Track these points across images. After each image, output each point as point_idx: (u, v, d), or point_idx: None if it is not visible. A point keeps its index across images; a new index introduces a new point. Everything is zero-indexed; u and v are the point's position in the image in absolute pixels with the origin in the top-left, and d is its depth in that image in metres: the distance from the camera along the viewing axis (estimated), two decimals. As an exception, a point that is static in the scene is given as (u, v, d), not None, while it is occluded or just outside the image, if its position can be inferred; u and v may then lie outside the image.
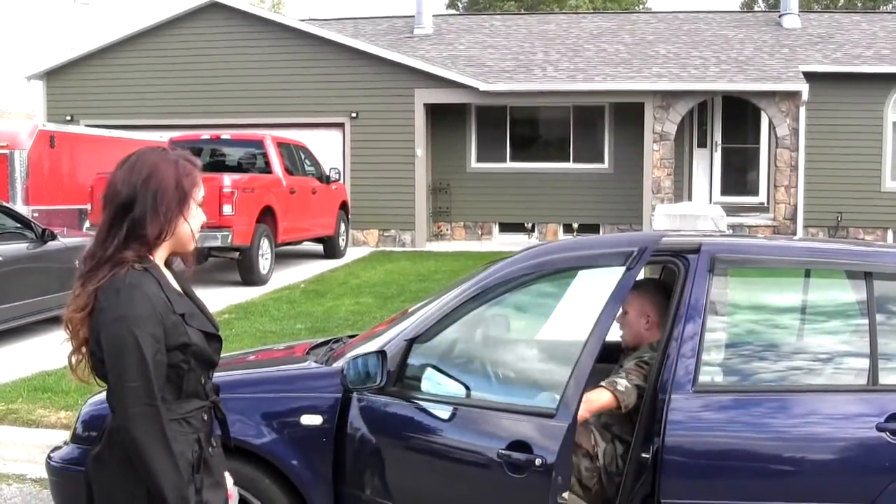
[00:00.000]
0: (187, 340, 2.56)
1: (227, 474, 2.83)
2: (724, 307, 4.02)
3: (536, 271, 4.07)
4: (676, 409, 3.65)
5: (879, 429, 3.59)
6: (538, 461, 3.42)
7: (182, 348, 2.55)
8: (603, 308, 3.65)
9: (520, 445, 3.48)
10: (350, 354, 3.78)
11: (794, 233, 18.12)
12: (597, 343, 3.58)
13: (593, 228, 19.36)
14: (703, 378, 3.76)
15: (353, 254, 17.70)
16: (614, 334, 4.02)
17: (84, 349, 2.59)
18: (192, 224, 2.66)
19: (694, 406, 3.69)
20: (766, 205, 20.00)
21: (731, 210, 19.25)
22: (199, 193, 2.68)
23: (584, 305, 3.86)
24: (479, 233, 20.21)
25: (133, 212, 2.54)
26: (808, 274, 4.20)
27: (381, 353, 3.77)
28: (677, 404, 3.66)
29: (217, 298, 12.19)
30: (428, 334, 3.94)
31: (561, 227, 19.74)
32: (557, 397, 3.55)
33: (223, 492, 2.75)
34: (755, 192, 20.70)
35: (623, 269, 3.72)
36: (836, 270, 4.15)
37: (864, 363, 3.77)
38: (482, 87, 18.62)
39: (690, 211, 6.64)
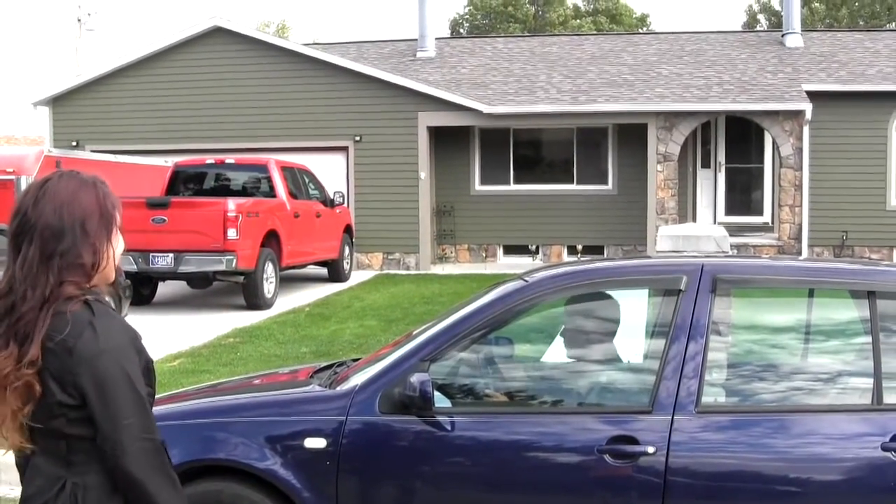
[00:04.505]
0: (150, 365, 2.40)
1: None
2: (727, 327, 4.02)
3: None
4: (680, 430, 3.65)
5: (885, 448, 3.58)
6: None
7: (148, 378, 2.38)
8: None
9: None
10: (414, 378, 3.75)
11: (800, 252, 18.09)
12: None
13: (597, 250, 19.36)
14: (707, 399, 3.76)
15: (357, 277, 17.71)
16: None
17: (28, 408, 2.27)
18: (117, 251, 2.43)
19: (697, 427, 3.69)
20: (770, 224, 19.99)
21: (736, 230, 19.26)
22: (120, 217, 2.45)
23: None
24: (484, 255, 20.21)
25: (62, 243, 2.30)
26: (810, 294, 4.19)
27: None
28: (680, 425, 3.66)
29: (222, 322, 12.22)
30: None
31: (565, 249, 19.73)
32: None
33: None
34: (759, 212, 20.70)
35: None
36: (838, 290, 4.15)
37: (869, 382, 3.76)
38: (485, 109, 18.67)
39: (693, 232, 6.64)
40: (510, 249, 20.12)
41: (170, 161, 16.50)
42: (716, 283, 3.87)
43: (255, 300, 13.45)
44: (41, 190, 2.36)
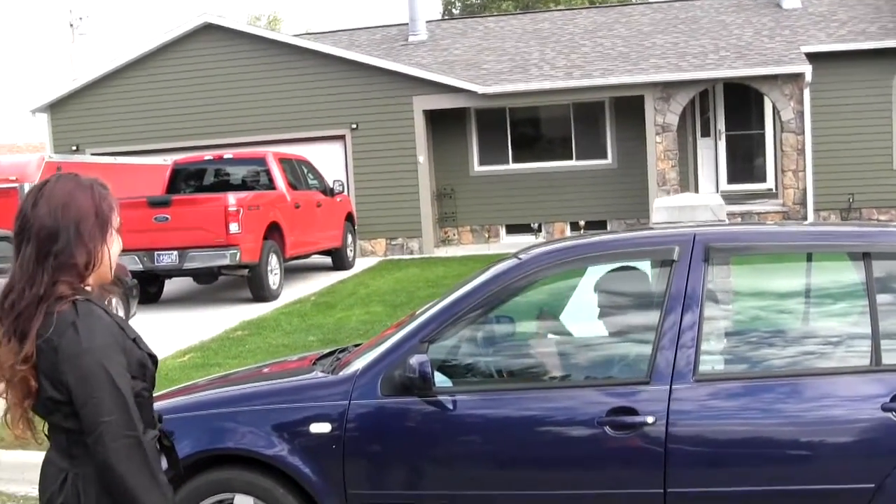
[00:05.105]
0: (145, 362, 2.48)
1: None
2: (721, 295, 4.05)
3: None
4: (678, 399, 3.68)
5: (885, 409, 3.60)
6: None
7: (140, 374, 2.46)
8: None
9: None
10: (413, 360, 3.79)
11: (805, 217, 18.02)
12: None
13: (600, 225, 19.34)
14: (704, 367, 3.78)
15: (361, 264, 17.75)
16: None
17: (27, 402, 2.41)
18: (112, 251, 2.53)
19: (696, 395, 3.72)
20: (774, 191, 19.91)
21: (740, 198, 19.23)
22: (117, 218, 2.55)
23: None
24: (486, 236, 20.23)
25: (57, 243, 2.40)
26: (805, 258, 4.21)
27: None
28: (679, 394, 3.69)
29: (228, 316, 12.28)
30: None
31: (568, 226, 19.74)
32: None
33: None
34: (763, 179, 20.62)
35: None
36: (832, 253, 4.16)
37: (867, 344, 3.76)
38: (480, 90, 18.64)
39: (689, 202, 6.65)
40: (513, 229, 20.12)
41: (168, 159, 16.54)
42: (708, 251, 3.89)
43: (260, 292, 13.50)
44: (40, 192, 2.47)
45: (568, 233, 19.53)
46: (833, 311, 4.22)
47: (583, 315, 4.40)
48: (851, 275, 4.03)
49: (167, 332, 11.24)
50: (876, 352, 3.73)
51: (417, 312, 4.50)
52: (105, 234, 2.48)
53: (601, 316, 4.34)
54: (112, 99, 20.24)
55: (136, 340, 2.49)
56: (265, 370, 5.23)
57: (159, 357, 8.59)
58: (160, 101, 19.90)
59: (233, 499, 4.06)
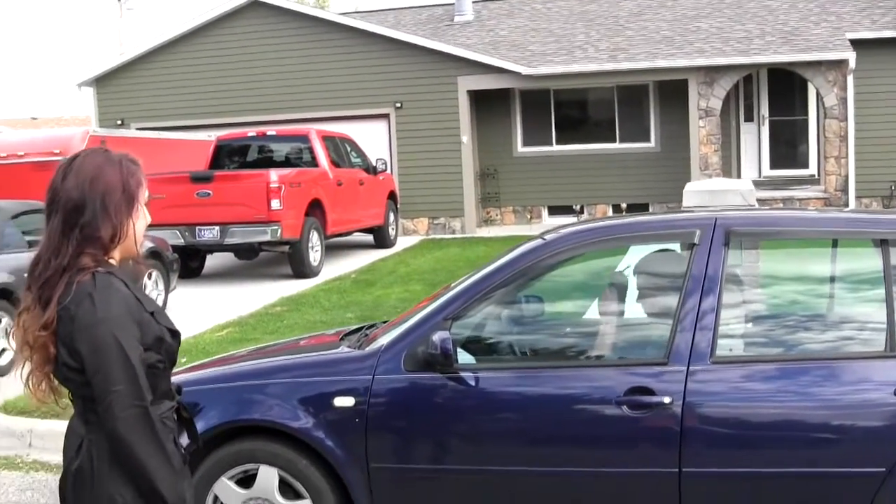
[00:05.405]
0: (162, 335, 2.53)
1: None
2: (741, 279, 4.10)
3: None
4: (695, 381, 3.75)
5: None
6: None
7: (157, 347, 2.51)
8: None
9: None
10: (436, 337, 3.88)
11: (846, 204, 17.88)
12: None
13: (642, 207, 19.30)
14: (721, 349, 3.84)
15: (403, 242, 17.87)
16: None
17: (47, 367, 2.50)
18: (138, 226, 2.58)
19: (713, 377, 3.78)
20: (816, 177, 19.75)
21: (782, 183, 19.10)
22: (145, 193, 2.61)
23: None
24: (529, 217, 20.27)
25: (83, 216, 2.47)
26: (823, 244, 4.25)
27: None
28: (696, 375, 3.76)
29: (268, 292, 12.45)
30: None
31: (610, 208, 19.73)
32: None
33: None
34: (805, 165, 20.42)
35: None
36: (851, 239, 4.20)
37: (882, 329, 3.81)
38: (525, 71, 18.64)
39: (719, 186, 6.67)
40: (555, 210, 20.14)
41: (213, 135, 16.74)
42: (729, 236, 3.94)
43: (301, 269, 13.65)
44: (70, 166, 2.54)
45: (610, 214, 19.51)
46: (849, 297, 4.26)
47: (602, 295, 4.47)
48: (869, 261, 4.06)
49: (207, 306, 11.44)
50: (891, 338, 3.76)
51: (452, 285, 4.58)
52: (131, 209, 2.55)
53: (619, 296, 4.42)
54: (158, 74, 20.50)
55: (155, 314, 2.55)
56: (301, 343, 5.36)
57: (198, 331, 8.81)
58: (205, 77, 20.13)
59: (257, 469, 4.17)
